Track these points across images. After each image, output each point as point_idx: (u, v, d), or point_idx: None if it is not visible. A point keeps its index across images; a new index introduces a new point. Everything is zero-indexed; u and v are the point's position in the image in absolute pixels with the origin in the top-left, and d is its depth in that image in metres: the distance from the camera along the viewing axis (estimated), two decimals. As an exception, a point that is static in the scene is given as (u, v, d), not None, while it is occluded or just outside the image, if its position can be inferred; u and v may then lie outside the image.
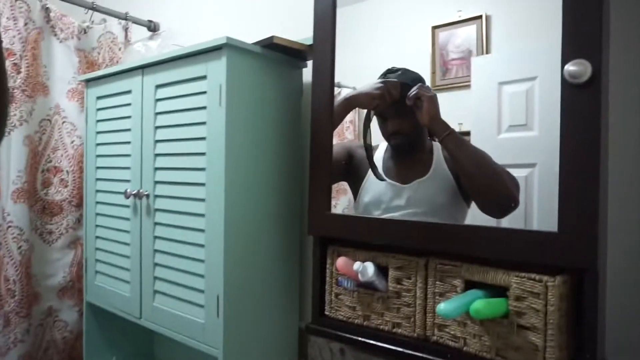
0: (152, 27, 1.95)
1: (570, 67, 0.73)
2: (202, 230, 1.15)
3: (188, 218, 1.19)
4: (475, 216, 0.99)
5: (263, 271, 1.22)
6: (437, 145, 1.05)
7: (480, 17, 0.96)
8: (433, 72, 1.01)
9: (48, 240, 1.65)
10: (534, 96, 1.45)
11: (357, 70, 1.12)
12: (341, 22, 1.07)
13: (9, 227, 1.54)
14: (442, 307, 0.80)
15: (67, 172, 1.68)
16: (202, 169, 1.14)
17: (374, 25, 1.11)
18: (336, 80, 1.09)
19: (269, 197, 1.22)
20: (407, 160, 1.07)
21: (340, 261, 1.00)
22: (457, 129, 0.98)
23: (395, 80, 1.02)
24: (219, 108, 1.09)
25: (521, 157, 1.47)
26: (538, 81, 1.43)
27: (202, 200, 1.14)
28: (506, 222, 0.92)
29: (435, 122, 0.96)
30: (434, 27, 1.01)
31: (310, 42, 1.13)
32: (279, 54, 1.21)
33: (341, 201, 1.52)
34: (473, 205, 0.99)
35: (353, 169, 1.13)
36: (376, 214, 1.06)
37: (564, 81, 0.75)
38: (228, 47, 1.08)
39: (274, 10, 1.49)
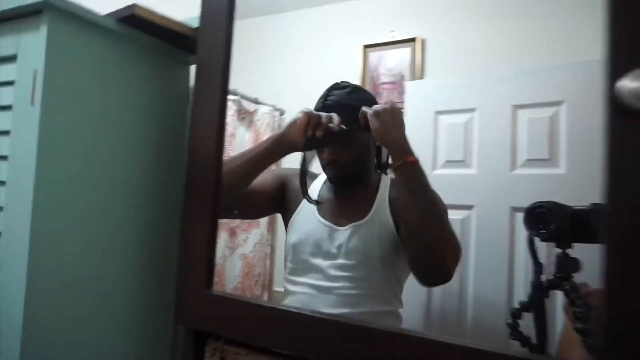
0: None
1: (629, 83, 0.43)
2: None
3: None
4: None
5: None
6: (385, 182, 0.87)
7: (414, 39, 0.88)
8: (365, 96, 0.93)
9: None
10: (472, 129, 1.22)
11: (279, 86, 0.97)
12: (261, 31, 0.94)
13: None
14: None
15: None
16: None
17: (302, 38, 0.99)
18: (254, 96, 0.95)
19: (123, 262, 0.76)
20: (346, 198, 0.88)
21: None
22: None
23: (316, 112, 0.81)
24: (30, 108, 0.65)
25: (457, 197, 1.23)
26: (477, 113, 1.20)
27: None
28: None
29: (389, 144, 0.75)
30: (366, 47, 0.94)
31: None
32: (153, 38, 0.80)
33: (253, 235, 1.28)
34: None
35: (286, 202, 0.91)
36: (302, 258, 0.86)
37: (614, 108, 0.44)
38: (52, 11, 0.65)
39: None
